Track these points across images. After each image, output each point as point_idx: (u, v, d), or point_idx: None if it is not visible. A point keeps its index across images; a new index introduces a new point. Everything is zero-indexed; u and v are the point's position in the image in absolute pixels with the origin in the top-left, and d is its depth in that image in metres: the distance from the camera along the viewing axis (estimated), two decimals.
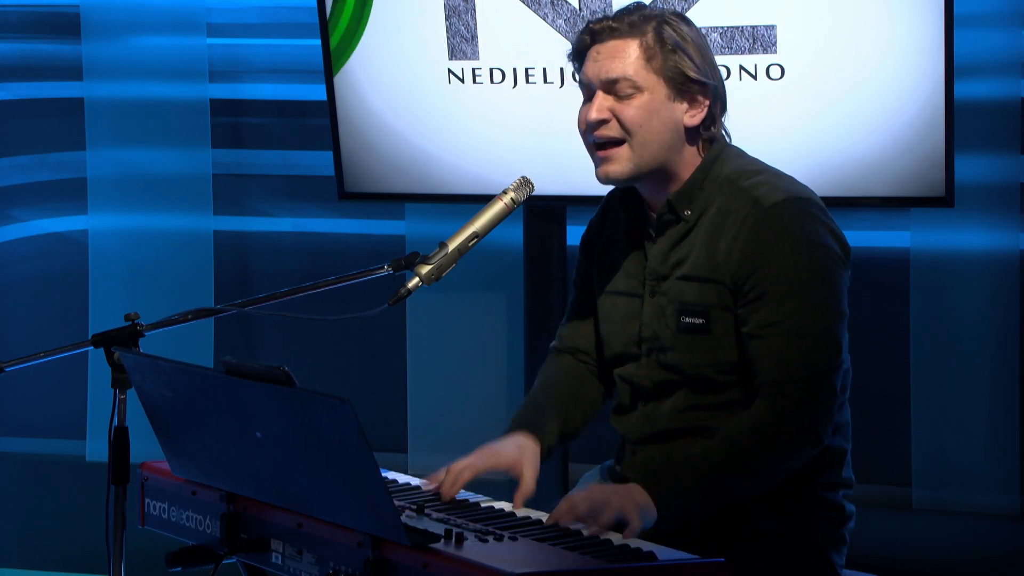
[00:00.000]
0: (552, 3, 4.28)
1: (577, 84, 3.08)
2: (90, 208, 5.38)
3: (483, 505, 2.89)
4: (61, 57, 5.40)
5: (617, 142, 3.00)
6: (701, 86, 3.01)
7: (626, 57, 2.99)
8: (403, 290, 3.00)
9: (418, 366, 5.15)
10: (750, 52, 4.07)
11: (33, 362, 3.02)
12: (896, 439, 4.63)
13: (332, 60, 4.58)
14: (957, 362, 4.55)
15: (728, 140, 3.11)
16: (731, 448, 2.88)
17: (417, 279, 3.01)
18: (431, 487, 2.96)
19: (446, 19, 4.42)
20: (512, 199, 3.07)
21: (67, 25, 5.37)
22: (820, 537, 3.04)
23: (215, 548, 2.90)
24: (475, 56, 4.41)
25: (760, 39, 4.06)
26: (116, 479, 2.90)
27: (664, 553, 2.54)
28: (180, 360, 2.83)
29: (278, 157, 5.34)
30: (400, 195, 4.67)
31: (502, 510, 2.85)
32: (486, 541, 2.58)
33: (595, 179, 3.05)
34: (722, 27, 4.07)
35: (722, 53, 4.04)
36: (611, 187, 3.17)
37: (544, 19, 4.30)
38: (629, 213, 3.13)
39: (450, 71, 4.44)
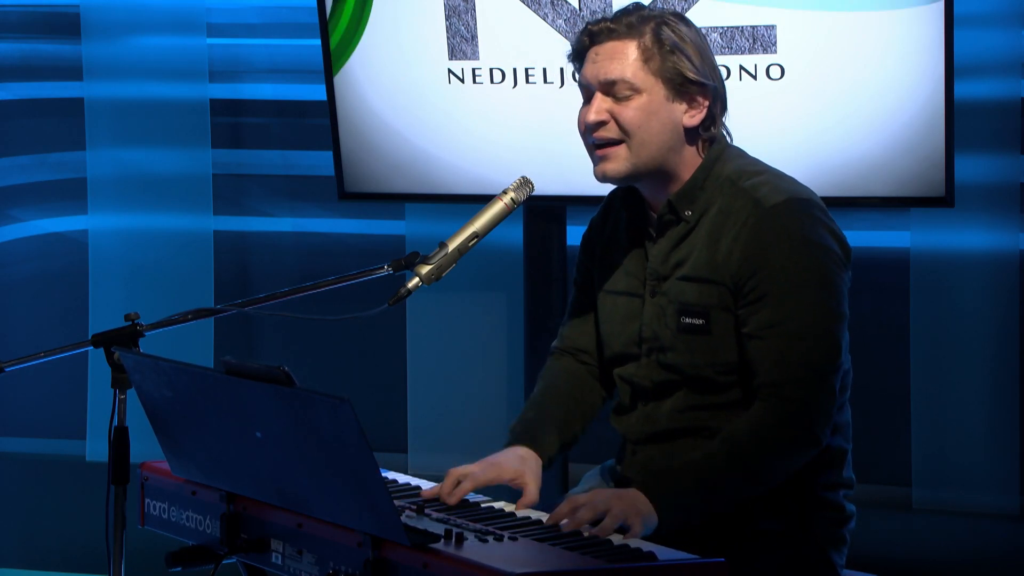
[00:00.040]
0: (552, 3, 4.28)
1: (577, 85, 3.08)
2: (90, 208, 5.38)
3: (483, 505, 2.89)
4: (61, 57, 5.40)
5: (616, 142, 3.00)
6: (700, 87, 3.01)
7: (624, 59, 2.99)
8: (403, 290, 3.00)
9: (418, 366, 5.15)
10: (750, 52, 4.07)
11: (33, 362, 3.02)
12: (896, 439, 4.63)
13: (332, 60, 4.58)
14: (957, 362, 4.55)
15: (729, 140, 3.11)
16: (731, 450, 2.88)
17: (417, 279, 3.01)
18: (431, 495, 2.96)
19: (446, 19, 4.42)
20: (512, 199, 3.07)
21: (67, 25, 5.36)
22: (820, 537, 3.04)
23: (215, 548, 2.90)
24: (475, 56, 4.41)
25: (760, 39, 4.06)
26: (116, 479, 2.90)
27: (664, 553, 2.54)
28: (180, 360, 2.83)
29: (278, 157, 5.34)
30: (400, 195, 4.66)
31: (502, 510, 2.85)
32: (486, 541, 2.58)
33: (595, 179, 3.05)
34: (722, 27, 4.07)
35: (722, 53, 4.04)
36: (611, 187, 3.17)
37: (544, 19, 4.30)
38: (630, 213, 3.13)
39: (450, 71, 4.44)
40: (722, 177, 3.03)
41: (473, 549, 2.52)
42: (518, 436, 3.11)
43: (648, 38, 2.99)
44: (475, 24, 4.39)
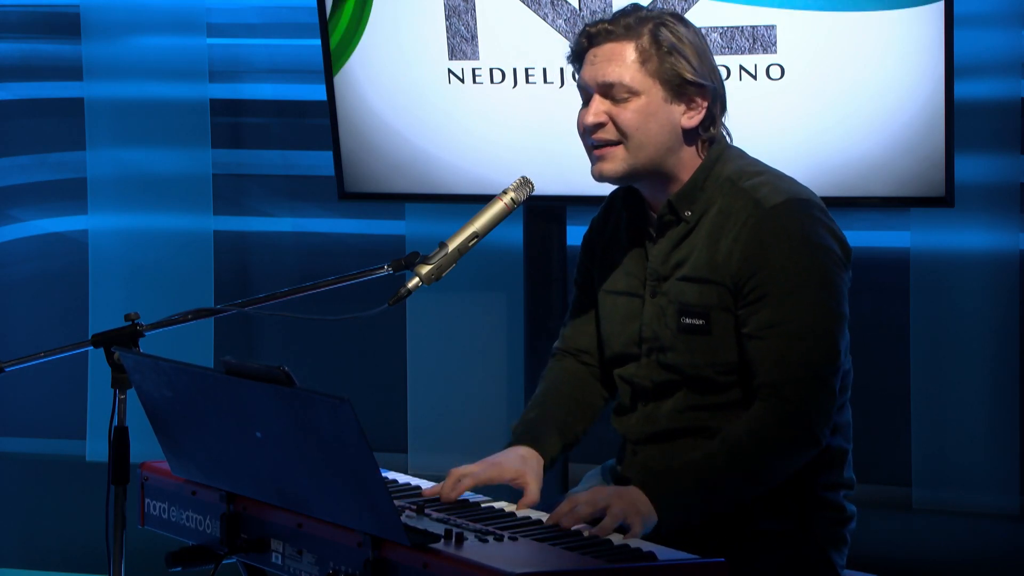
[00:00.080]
0: (552, 3, 4.28)
1: (576, 86, 3.08)
2: (90, 208, 5.38)
3: (483, 505, 2.89)
4: (61, 57, 5.40)
5: (614, 143, 3.00)
6: (699, 87, 3.01)
7: (622, 61, 2.99)
8: (403, 290, 3.00)
9: (418, 366, 5.15)
10: (750, 52, 4.07)
11: (33, 362, 3.02)
12: (896, 439, 4.63)
13: (332, 60, 4.58)
14: (957, 362, 4.55)
15: (729, 141, 3.11)
16: (731, 450, 2.87)
17: (417, 279, 3.01)
18: (431, 494, 2.96)
19: (446, 19, 4.42)
20: (512, 199, 3.07)
21: (67, 25, 5.36)
22: (820, 537, 3.04)
23: (215, 548, 2.90)
24: (475, 56, 4.41)
25: (760, 39, 4.06)
26: (116, 479, 2.90)
27: (664, 553, 2.54)
28: (180, 360, 2.83)
29: (278, 157, 5.34)
30: (400, 195, 4.66)
31: (502, 510, 2.85)
32: (486, 541, 2.58)
33: (592, 179, 3.06)
34: (722, 27, 4.07)
35: (722, 53, 4.04)
36: (611, 187, 3.17)
37: (544, 19, 4.30)
38: (631, 213, 3.13)
39: (450, 71, 4.44)
40: (722, 177, 3.03)
41: (473, 549, 2.52)
42: (520, 436, 3.11)
43: (646, 40, 2.98)
44: (475, 24, 4.39)
